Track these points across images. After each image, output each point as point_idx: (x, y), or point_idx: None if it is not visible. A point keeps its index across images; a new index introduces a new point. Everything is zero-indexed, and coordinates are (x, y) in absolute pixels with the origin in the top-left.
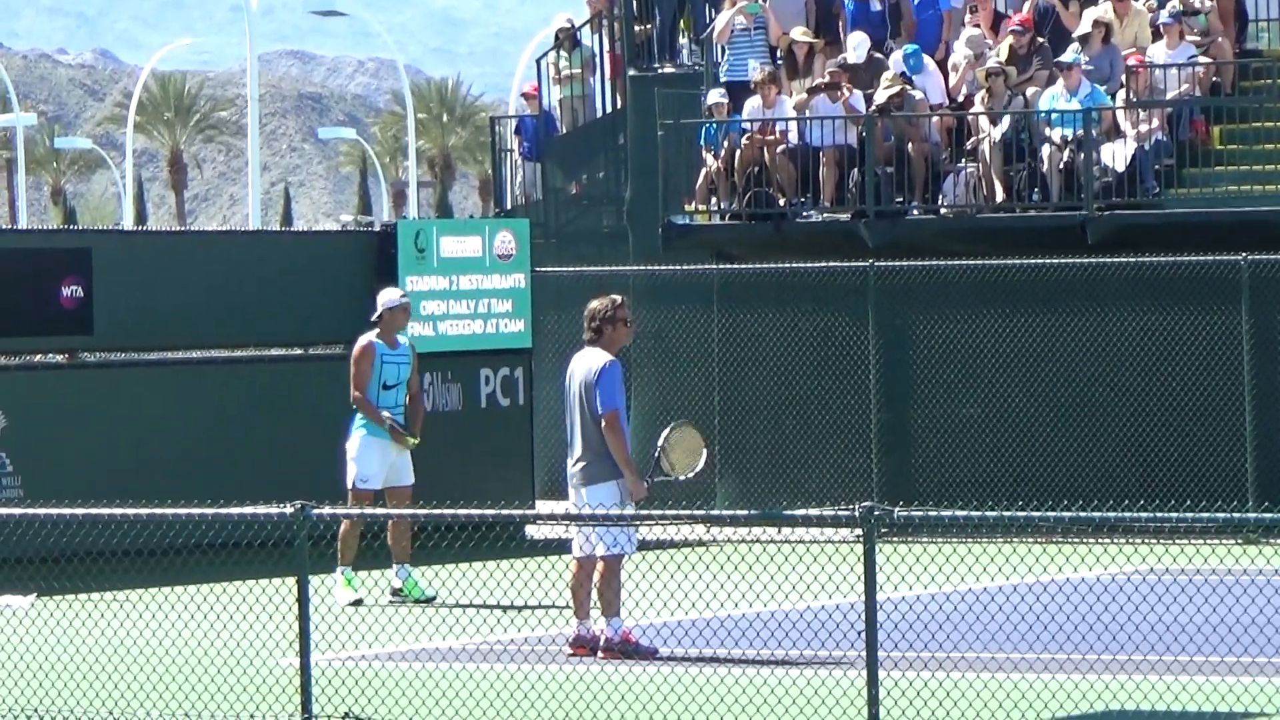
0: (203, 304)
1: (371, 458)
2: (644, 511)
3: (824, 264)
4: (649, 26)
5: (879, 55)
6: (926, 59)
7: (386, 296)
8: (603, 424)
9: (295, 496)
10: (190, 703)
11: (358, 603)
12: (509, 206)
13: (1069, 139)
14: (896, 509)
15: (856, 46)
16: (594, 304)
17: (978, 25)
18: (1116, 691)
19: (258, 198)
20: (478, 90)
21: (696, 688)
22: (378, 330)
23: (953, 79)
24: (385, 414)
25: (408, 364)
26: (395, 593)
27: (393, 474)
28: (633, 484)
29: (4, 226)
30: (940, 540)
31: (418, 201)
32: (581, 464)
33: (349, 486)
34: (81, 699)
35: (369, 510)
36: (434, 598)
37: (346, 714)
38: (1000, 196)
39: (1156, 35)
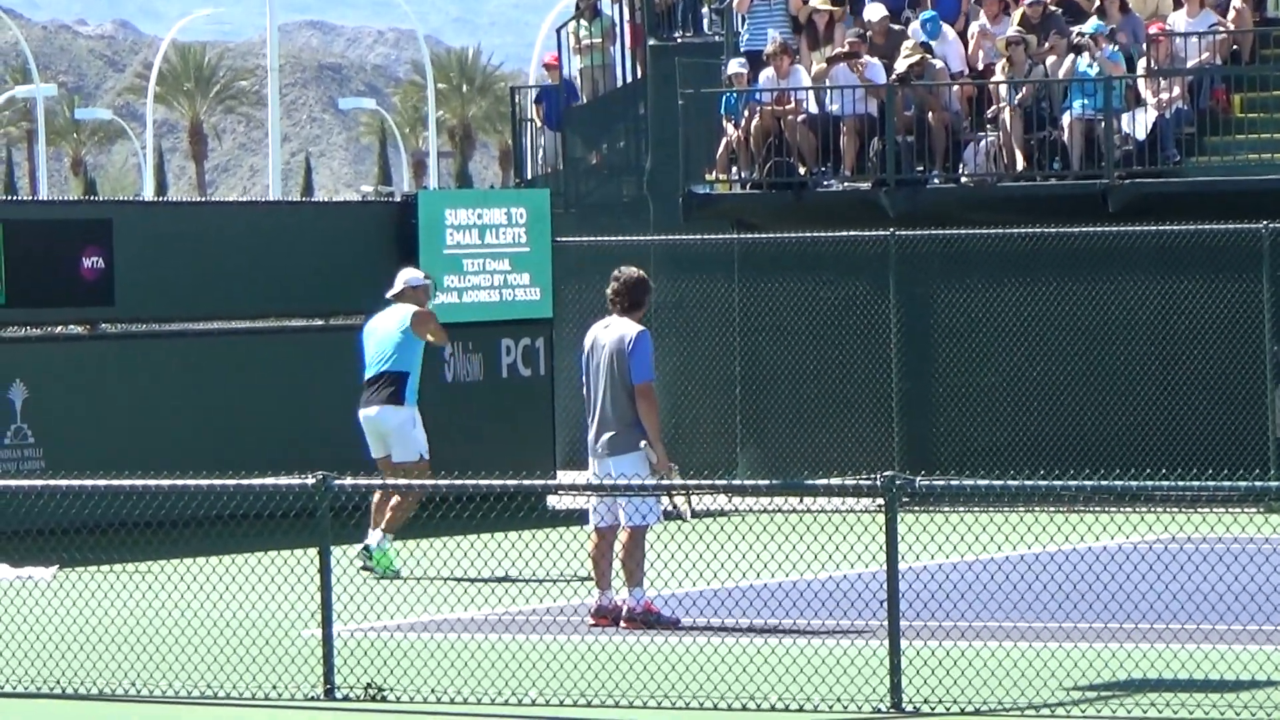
0: (223, 275)
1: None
2: (666, 481)
3: (845, 233)
4: None
5: (898, 26)
6: (946, 27)
7: (409, 275)
8: (637, 393)
9: (317, 467)
10: (213, 674)
11: (395, 575)
12: (529, 176)
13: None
14: (918, 478)
15: (874, 15)
16: (630, 272)
17: None
18: (1139, 660)
19: (278, 168)
20: (498, 60)
21: (719, 658)
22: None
23: (972, 48)
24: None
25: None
26: (364, 550)
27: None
28: (661, 456)
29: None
30: (962, 509)
31: (438, 172)
32: (608, 434)
33: (420, 459)
34: (104, 670)
35: (391, 481)
36: (398, 574)
37: (369, 685)
38: (1021, 165)
39: (1177, 4)
